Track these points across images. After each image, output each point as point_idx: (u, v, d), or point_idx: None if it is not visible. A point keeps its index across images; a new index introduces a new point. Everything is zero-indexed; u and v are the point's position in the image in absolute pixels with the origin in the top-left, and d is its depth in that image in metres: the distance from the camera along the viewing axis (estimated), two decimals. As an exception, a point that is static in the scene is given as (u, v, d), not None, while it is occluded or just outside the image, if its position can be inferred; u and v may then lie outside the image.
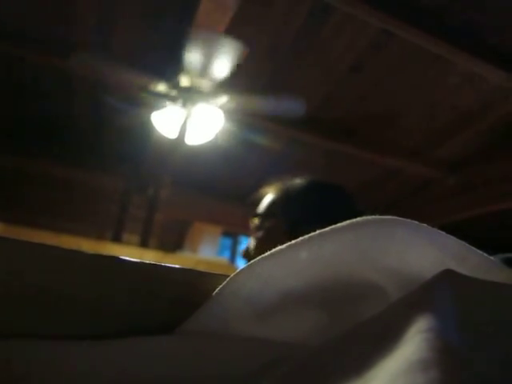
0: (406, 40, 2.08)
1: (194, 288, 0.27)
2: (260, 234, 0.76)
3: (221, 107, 2.27)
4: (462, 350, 0.16)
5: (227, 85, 2.18)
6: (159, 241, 3.83)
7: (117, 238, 3.46)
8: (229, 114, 2.38)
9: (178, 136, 2.42)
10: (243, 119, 2.57)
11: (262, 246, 0.73)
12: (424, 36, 2.02)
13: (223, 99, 2.19)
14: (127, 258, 0.27)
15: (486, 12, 1.93)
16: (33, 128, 2.96)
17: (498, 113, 2.58)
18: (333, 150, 3.00)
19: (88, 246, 3.16)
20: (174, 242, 3.90)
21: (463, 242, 0.25)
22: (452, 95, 2.50)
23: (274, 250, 0.25)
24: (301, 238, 0.25)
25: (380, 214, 0.27)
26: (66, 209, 3.64)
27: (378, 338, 0.17)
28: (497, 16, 1.95)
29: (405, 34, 2.02)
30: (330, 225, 0.72)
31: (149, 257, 3.33)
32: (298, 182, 0.80)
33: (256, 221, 0.78)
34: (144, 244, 3.54)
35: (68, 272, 0.27)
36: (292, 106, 2.16)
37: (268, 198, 0.79)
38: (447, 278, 0.20)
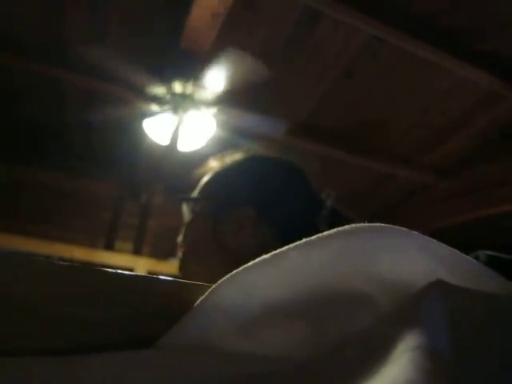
0: (396, 46, 2.09)
1: (176, 299, 0.26)
2: (187, 220, 0.69)
3: (212, 115, 2.27)
4: (452, 366, 0.15)
5: (219, 91, 2.18)
6: (152, 248, 3.81)
7: (109, 246, 3.44)
8: (221, 119, 2.37)
9: (170, 143, 2.41)
10: (235, 125, 2.57)
11: (189, 234, 0.67)
12: (414, 42, 2.03)
13: (213, 110, 2.20)
14: (107, 270, 0.26)
15: (476, 18, 1.95)
16: (23, 135, 2.94)
17: (488, 117, 2.60)
18: (325, 155, 3.00)
19: (80, 253, 3.14)
20: (167, 249, 3.88)
21: (455, 250, 0.24)
22: (443, 100, 2.51)
23: (257, 259, 0.24)
24: (286, 247, 0.24)
25: (373, 220, 0.26)
26: (58, 216, 3.62)
27: (365, 356, 0.16)
28: (486, 21, 1.96)
29: (395, 40, 2.04)
30: (263, 205, 0.68)
31: (142, 264, 3.31)
32: (230, 159, 0.70)
33: (187, 207, 0.70)
34: (137, 251, 3.52)
35: (45, 284, 0.25)
36: (273, 126, 2.19)
37: (201, 180, 0.70)
38: (438, 288, 0.19)
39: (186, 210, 0.70)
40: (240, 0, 1.84)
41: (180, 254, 0.68)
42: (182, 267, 0.66)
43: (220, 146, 2.59)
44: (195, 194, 0.70)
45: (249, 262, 0.24)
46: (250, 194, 0.63)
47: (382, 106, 2.61)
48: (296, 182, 0.68)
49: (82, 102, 2.60)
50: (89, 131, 2.92)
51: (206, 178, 0.69)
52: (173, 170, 2.99)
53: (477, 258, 0.45)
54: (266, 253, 0.24)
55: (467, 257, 0.25)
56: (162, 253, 3.68)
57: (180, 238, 0.69)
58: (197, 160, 2.97)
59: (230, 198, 0.64)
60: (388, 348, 0.16)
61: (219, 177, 0.68)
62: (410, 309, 0.18)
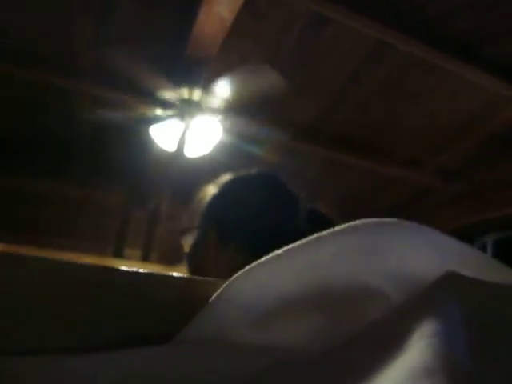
0: (403, 50, 2.09)
1: (191, 295, 0.26)
2: (189, 249, 0.70)
3: (218, 119, 2.28)
4: (467, 354, 0.15)
5: (224, 98, 2.19)
6: (161, 255, 3.81)
7: (118, 253, 3.45)
8: (227, 125, 2.38)
9: (177, 149, 2.42)
10: (241, 131, 2.58)
11: (191, 262, 0.69)
12: (422, 46, 2.02)
13: (220, 116, 2.21)
14: (121, 268, 0.27)
15: (485, 22, 1.94)
16: (32, 146, 2.97)
17: (496, 121, 2.58)
18: (332, 159, 3.00)
19: (90, 262, 3.15)
20: (175, 256, 3.89)
21: (465, 243, 0.25)
22: (451, 104, 2.50)
23: (270, 254, 0.25)
24: (298, 242, 0.24)
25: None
26: (67, 225, 3.63)
27: (381, 345, 0.17)
28: (495, 25, 1.95)
29: (403, 44, 2.03)
30: (220, 226, 0.68)
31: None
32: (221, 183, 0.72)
33: (189, 234, 0.71)
34: (146, 258, 3.53)
35: (62, 284, 0.26)
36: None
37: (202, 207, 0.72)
38: (450, 280, 0.20)
39: (186, 239, 0.72)
40: (247, 7, 1.85)
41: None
42: None
43: (226, 152, 2.60)
44: (195, 222, 0.72)
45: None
46: (210, 219, 0.65)
47: (390, 110, 2.61)
48: (260, 194, 0.68)
49: (90, 110, 2.62)
50: (96, 139, 2.94)
51: (204, 206, 0.71)
52: (180, 176, 3.00)
53: (484, 246, 0.45)
54: (236, 269, 0.25)
55: (477, 250, 0.25)
56: (171, 259, 3.69)
57: (187, 267, 0.70)
58: (204, 166, 3.00)
59: (203, 224, 0.66)
60: (403, 336, 0.16)
61: (204, 206, 0.70)
62: (423, 299, 0.19)
